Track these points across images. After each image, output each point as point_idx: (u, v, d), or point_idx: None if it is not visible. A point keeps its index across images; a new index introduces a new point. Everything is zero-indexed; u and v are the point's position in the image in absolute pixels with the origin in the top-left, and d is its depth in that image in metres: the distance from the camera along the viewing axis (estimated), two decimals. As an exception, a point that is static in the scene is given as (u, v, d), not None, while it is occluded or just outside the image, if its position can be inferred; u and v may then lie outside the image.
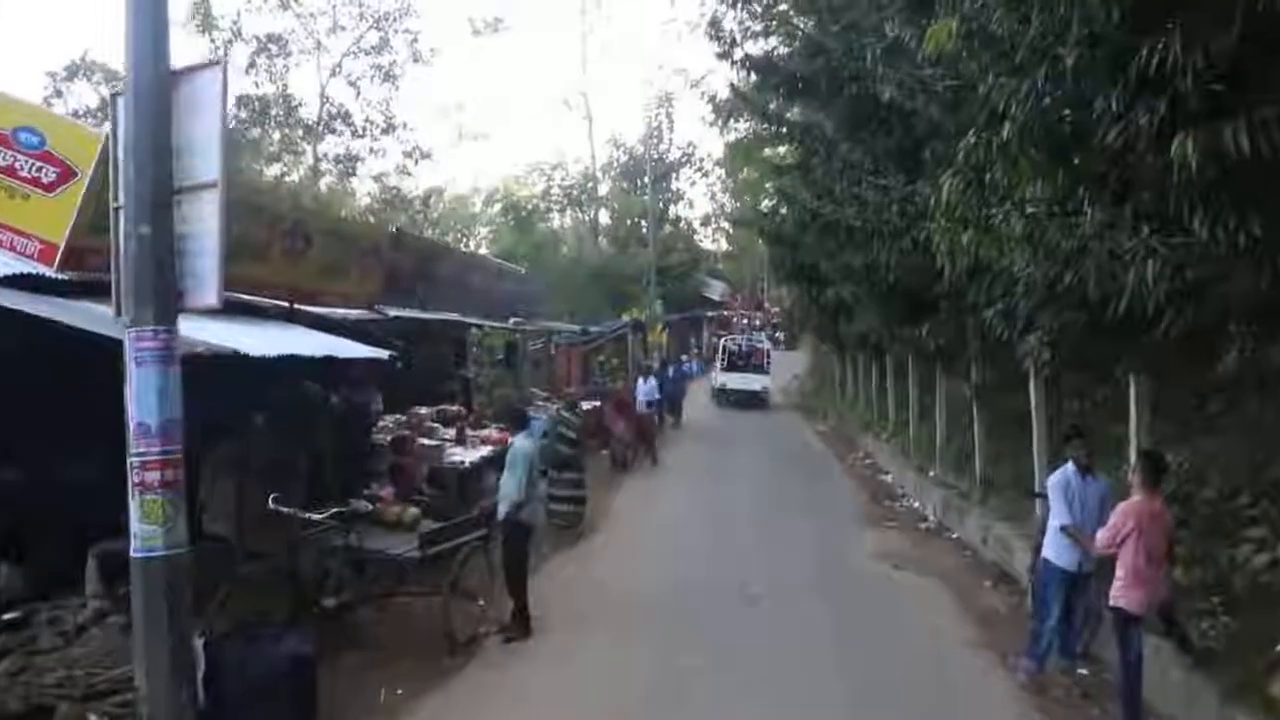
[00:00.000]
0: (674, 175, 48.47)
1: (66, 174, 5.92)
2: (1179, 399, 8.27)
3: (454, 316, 13.18)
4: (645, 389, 17.66)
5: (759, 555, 9.98)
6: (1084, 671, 6.39)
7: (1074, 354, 6.92)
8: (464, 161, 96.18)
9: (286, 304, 8.27)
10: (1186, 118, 3.86)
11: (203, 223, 4.61)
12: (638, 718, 5.85)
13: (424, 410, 11.74)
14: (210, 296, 4.63)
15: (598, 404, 16.82)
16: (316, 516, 6.06)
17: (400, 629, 6.84)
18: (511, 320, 16.98)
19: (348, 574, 6.46)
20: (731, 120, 26.43)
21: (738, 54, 12.44)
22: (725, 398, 27.63)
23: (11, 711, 4.66)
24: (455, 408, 12.79)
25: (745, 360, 28.86)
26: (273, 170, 29.71)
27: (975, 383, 11.35)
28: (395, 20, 30.13)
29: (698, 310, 47.13)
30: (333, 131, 30.14)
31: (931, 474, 13.35)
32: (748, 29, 16.84)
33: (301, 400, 7.84)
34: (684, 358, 35.57)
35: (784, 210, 16.18)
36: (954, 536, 11.01)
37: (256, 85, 28.21)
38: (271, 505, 5.92)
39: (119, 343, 4.57)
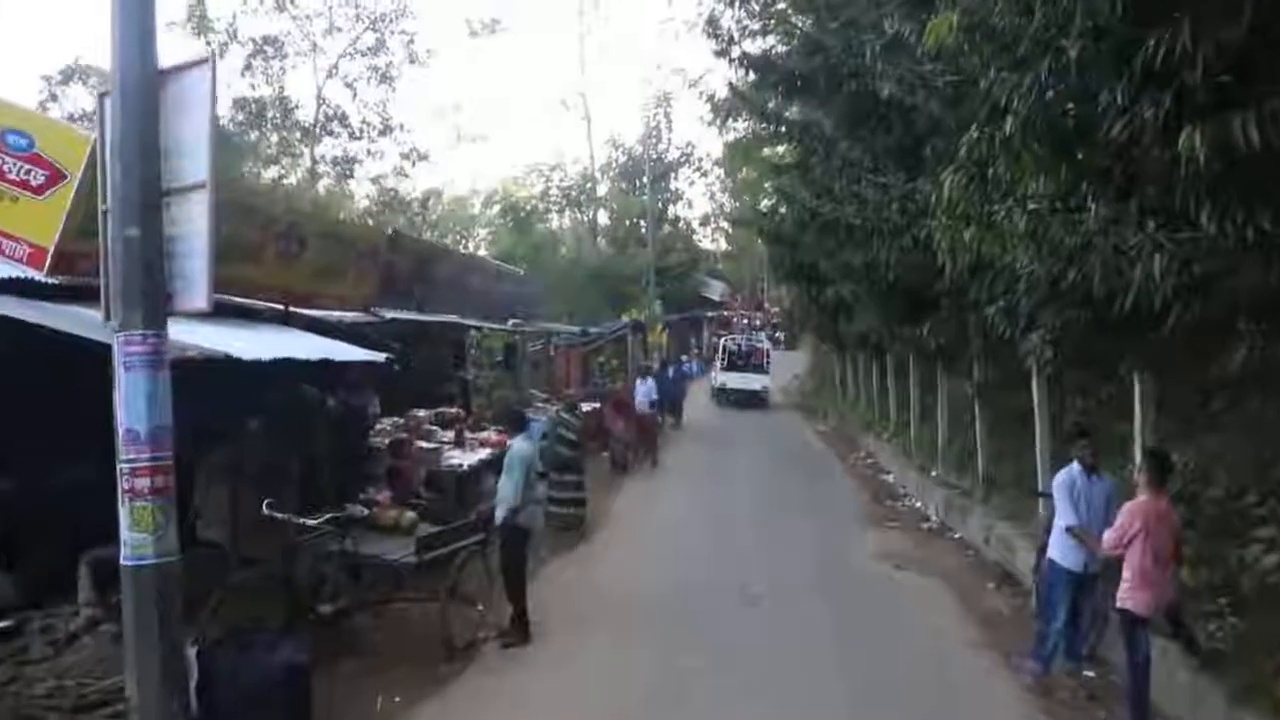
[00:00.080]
0: (673, 175, 48.44)
1: (56, 177, 5.84)
2: (1183, 396, 8.19)
3: (452, 318, 13.10)
4: (644, 390, 17.58)
5: (760, 556, 9.91)
6: (1090, 673, 6.33)
7: (1077, 352, 6.85)
8: (462, 163, 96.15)
9: (281, 307, 8.20)
10: (1193, 110, 3.78)
11: (192, 224, 4.52)
12: (638, 723, 5.78)
13: (422, 413, 11.66)
14: (200, 299, 4.54)
15: (597, 405, 16.75)
16: (311, 522, 5.97)
17: (397, 635, 6.76)
18: (510, 322, 16.90)
19: (343, 579, 6.39)
20: (730, 120, 26.30)
21: (735, 52, 12.36)
22: (725, 397, 27.65)
23: (0, 723, 4.59)
24: (454, 410, 12.71)
25: (745, 360, 28.87)
26: (270, 173, 29.64)
27: (977, 381, 11.28)
28: (391, 21, 30.11)
29: (697, 310, 47.10)
30: (330, 134, 30.10)
31: (933, 473, 13.29)
32: (745, 28, 16.77)
33: (297, 404, 7.75)
34: (684, 358, 35.51)
35: (783, 209, 16.11)
36: (956, 536, 10.94)
37: (253, 88, 28.18)
38: (266, 511, 5.84)
39: (109, 347, 4.49)
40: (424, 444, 10.31)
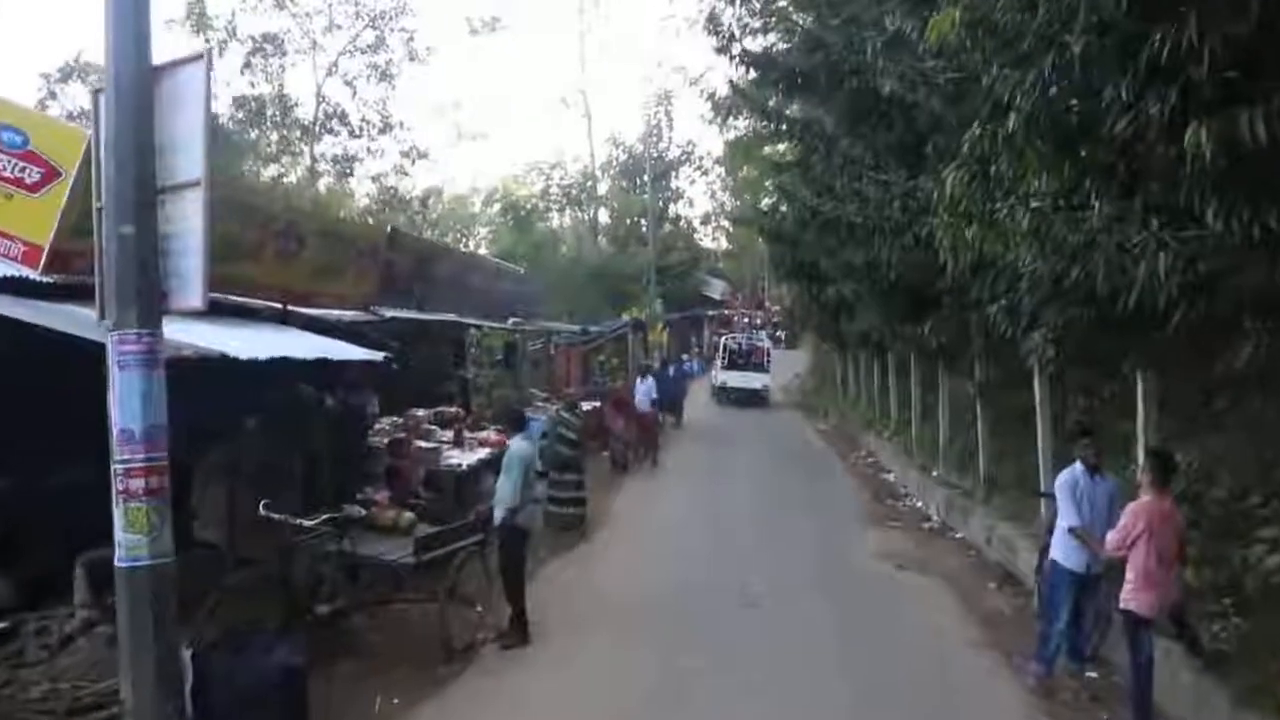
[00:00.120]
0: (673, 174, 48.40)
1: (51, 174, 5.79)
2: (1185, 395, 8.15)
3: (451, 317, 13.05)
4: (643, 389, 17.52)
5: (761, 555, 9.87)
6: (1093, 674, 6.28)
7: (1079, 350, 6.80)
8: (463, 162, 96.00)
9: (279, 305, 8.15)
10: (1200, 106, 3.73)
11: (187, 222, 4.49)
12: (638, 724, 5.74)
13: (421, 412, 11.62)
14: (195, 298, 4.51)
15: (598, 404, 16.71)
16: (308, 523, 5.93)
17: (395, 636, 6.72)
18: (510, 320, 16.86)
19: (341, 580, 6.35)
20: (731, 118, 26.29)
21: (736, 49, 12.31)
22: (726, 396, 27.68)
23: (-7, 727, 4.56)
24: (453, 409, 12.66)
25: (745, 359, 28.88)
26: (270, 171, 29.62)
27: (978, 380, 11.23)
28: (391, 19, 30.06)
29: (698, 309, 47.03)
30: (330, 131, 30.07)
31: (934, 473, 13.24)
32: (746, 25, 16.73)
33: (295, 404, 7.71)
34: (684, 357, 35.48)
35: (784, 208, 16.07)
36: (958, 536, 10.89)
37: (252, 85, 28.15)
38: (262, 511, 5.80)
39: (104, 347, 4.45)
40: (423, 443, 10.26)
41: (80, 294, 5.51)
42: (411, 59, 30.73)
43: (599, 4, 62.41)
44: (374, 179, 32.06)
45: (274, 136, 29.28)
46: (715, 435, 21.26)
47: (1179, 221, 4.36)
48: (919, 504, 13.06)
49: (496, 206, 43.94)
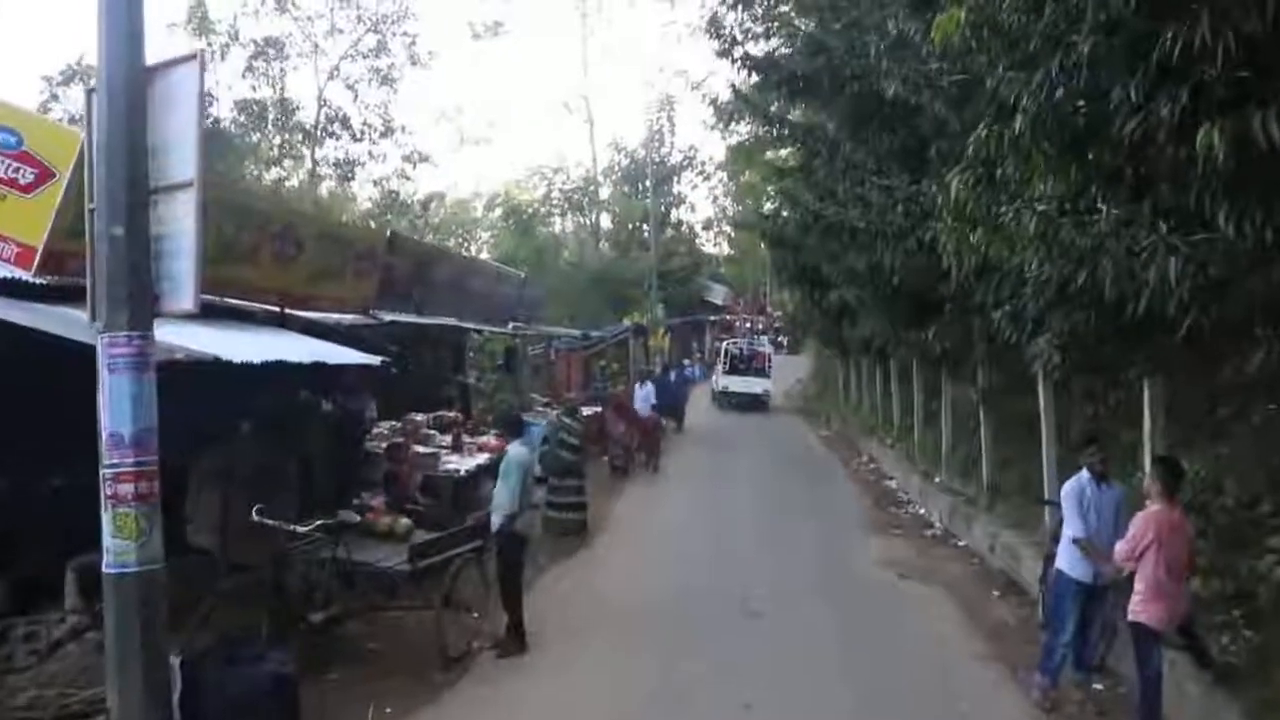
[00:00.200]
0: (675, 179, 48.40)
1: (45, 175, 5.73)
2: (1192, 402, 8.05)
3: (451, 321, 12.98)
4: (643, 394, 17.43)
5: (761, 563, 9.77)
6: (1099, 686, 6.18)
7: (1085, 356, 6.70)
8: (465, 166, 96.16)
9: (277, 309, 8.08)
10: (1212, 107, 3.65)
11: (179, 223, 4.42)
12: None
13: (420, 417, 11.54)
14: (186, 301, 4.43)
15: (598, 409, 16.64)
16: (301, 529, 5.84)
17: (391, 644, 6.64)
18: (511, 325, 16.79)
19: (336, 587, 6.25)
20: (733, 123, 26.28)
21: (738, 52, 12.25)
22: (727, 401, 27.73)
23: (-21, 734, 4.48)
24: (452, 414, 12.59)
25: (746, 364, 28.90)
26: (272, 174, 29.63)
27: (982, 386, 11.14)
28: (393, 23, 30.08)
29: (700, 314, 46.98)
30: (332, 135, 30.07)
31: (937, 480, 13.14)
32: (749, 30, 16.69)
33: (291, 408, 7.64)
34: (686, 362, 35.41)
35: (786, 212, 16.01)
36: (960, 544, 10.79)
37: (254, 89, 28.17)
38: (255, 517, 5.72)
39: (97, 349, 4.38)
40: (421, 448, 10.18)
41: (75, 296, 5.43)
42: (413, 63, 30.79)
43: (601, 9, 62.60)
44: (376, 183, 32.10)
45: (276, 140, 29.30)
46: (716, 440, 21.17)
47: (1189, 226, 4.28)
48: (921, 511, 12.95)
49: (498, 211, 43.93)
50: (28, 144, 5.75)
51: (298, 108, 29.28)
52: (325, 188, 31.32)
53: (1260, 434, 7.24)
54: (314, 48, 29.78)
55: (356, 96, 30.33)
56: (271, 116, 28.24)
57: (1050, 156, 4.75)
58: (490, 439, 11.41)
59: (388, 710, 5.71)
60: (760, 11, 17.45)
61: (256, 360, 5.55)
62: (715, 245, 53.75)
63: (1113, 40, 4.02)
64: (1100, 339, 5.90)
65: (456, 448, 10.85)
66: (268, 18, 28.52)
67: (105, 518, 4.25)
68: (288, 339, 7.33)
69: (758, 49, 14.79)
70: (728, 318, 50.11)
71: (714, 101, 18.87)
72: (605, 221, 47.28)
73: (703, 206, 69.82)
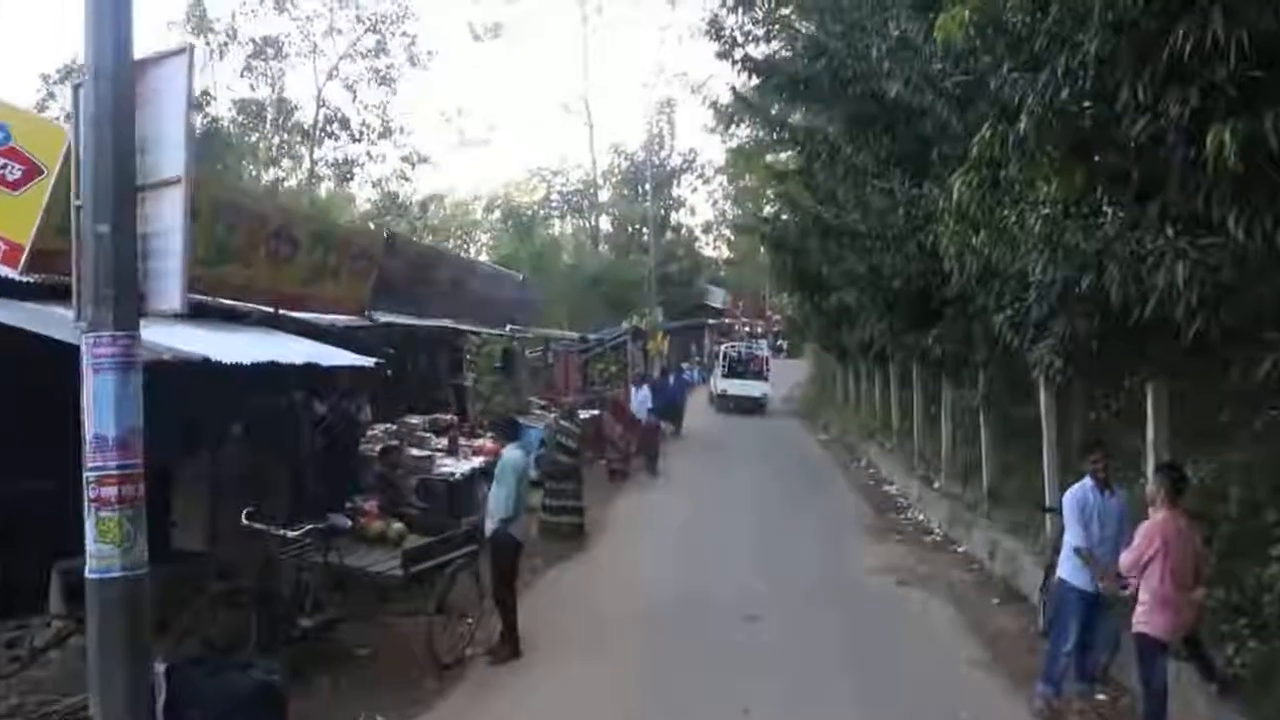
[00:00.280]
0: (675, 182, 48.39)
1: (32, 171, 5.64)
2: (1195, 409, 7.95)
3: (448, 323, 12.88)
4: (639, 398, 17.30)
5: (759, 568, 9.67)
6: (1102, 696, 6.08)
7: (1088, 362, 6.61)
8: (465, 168, 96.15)
9: (270, 309, 7.98)
10: (1223, 108, 3.56)
11: (166, 221, 4.34)
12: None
13: (415, 419, 11.44)
14: (174, 300, 4.35)
15: (596, 413, 16.54)
16: (292, 533, 5.74)
17: (382, 650, 6.54)
18: (508, 327, 16.70)
19: (326, 593, 6.15)
20: (733, 126, 26.27)
21: (738, 53, 12.18)
22: (725, 403, 27.77)
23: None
24: (449, 416, 12.49)
25: (745, 367, 28.95)
26: (270, 175, 29.56)
27: (982, 391, 11.04)
28: (393, 23, 30.03)
29: (699, 318, 46.94)
30: (331, 136, 30.01)
31: (936, 485, 13.05)
32: (749, 33, 16.66)
33: (283, 410, 7.54)
34: (684, 365, 35.33)
35: (785, 216, 15.96)
36: (960, 550, 10.69)
37: (252, 88, 28.11)
38: (245, 521, 5.62)
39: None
40: (417, 451, 10.09)
41: (63, 294, 5.32)
42: (413, 64, 30.74)
43: (601, 11, 62.62)
44: (375, 184, 32.05)
45: (275, 140, 29.24)
46: (715, 444, 21.08)
47: (1197, 229, 4.19)
48: (920, 517, 12.85)
49: (497, 213, 43.89)
50: (15, 139, 5.66)
51: (296, 108, 29.23)
52: (324, 188, 31.25)
53: (1265, 441, 7.15)
54: (313, 47, 29.75)
55: (355, 97, 30.31)
56: (270, 116, 28.17)
57: (1055, 158, 4.66)
58: (486, 442, 11.31)
59: (377, 718, 5.61)
60: (761, 14, 17.41)
61: (247, 361, 5.45)
62: (715, 249, 53.81)
63: (1120, 39, 3.93)
64: (1105, 344, 5.81)
65: (452, 451, 10.75)
66: (266, 17, 28.50)
67: (88, 522, 4.16)
68: (280, 340, 7.23)
69: (758, 51, 14.75)
70: (727, 321, 50.09)
71: (714, 104, 18.84)
72: (605, 224, 47.24)
73: (702, 210, 69.77)
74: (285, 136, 29.26)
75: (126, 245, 4.29)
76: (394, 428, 10.82)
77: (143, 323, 4.40)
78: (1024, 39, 4.50)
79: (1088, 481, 5.96)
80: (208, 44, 26.03)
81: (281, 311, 8.10)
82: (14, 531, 5.76)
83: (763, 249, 25.50)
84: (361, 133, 29.97)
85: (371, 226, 24.37)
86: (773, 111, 14.85)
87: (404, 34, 30.37)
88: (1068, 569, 5.93)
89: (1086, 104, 4.40)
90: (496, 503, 6.86)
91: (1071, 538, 5.88)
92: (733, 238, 48.73)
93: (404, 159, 31.28)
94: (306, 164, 30.45)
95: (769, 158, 26.79)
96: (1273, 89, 3.49)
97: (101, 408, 4.16)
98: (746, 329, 47.70)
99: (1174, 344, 5.04)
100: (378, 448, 9.42)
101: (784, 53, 14.93)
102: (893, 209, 9.22)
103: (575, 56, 75.10)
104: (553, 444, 11.07)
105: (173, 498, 6.09)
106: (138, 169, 4.33)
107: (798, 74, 11.26)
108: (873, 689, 6.37)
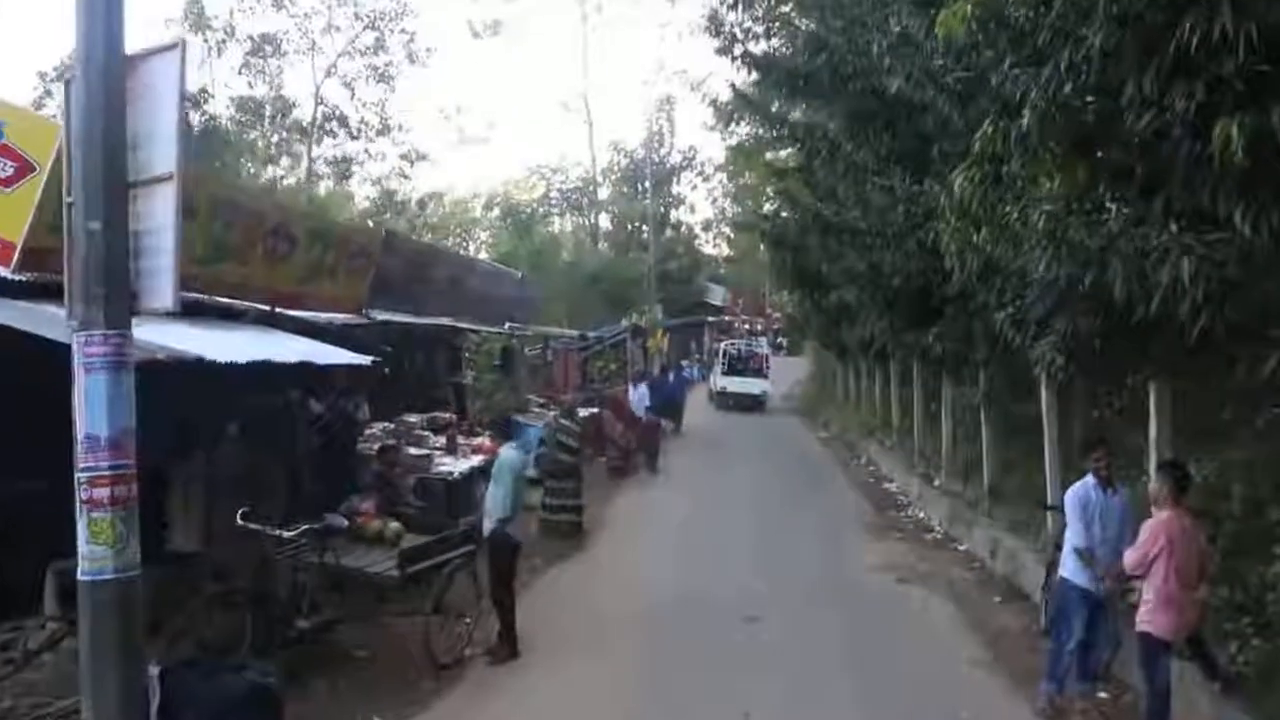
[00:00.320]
0: (675, 179, 48.31)
1: (25, 168, 5.57)
2: (1198, 406, 7.91)
3: (446, 321, 12.83)
4: (637, 395, 17.24)
5: (759, 567, 9.64)
6: (1104, 695, 6.04)
7: (1091, 359, 6.57)
8: (464, 166, 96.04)
9: (267, 308, 7.93)
10: (1229, 102, 3.51)
11: (158, 218, 4.28)
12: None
13: (414, 418, 11.39)
14: (166, 298, 4.29)
15: (595, 411, 16.49)
16: (287, 534, 5.69)
17: (380, 651, 6.50)
18: (507, 325, 16.65)
19: (323, 593, 6.10)
20: (733, 123, 26.20)
21: (738, 49, 12.13)
22: (725, 401, 27.74)
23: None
24: (446, 415, 12.43)
25: (745, 364, 28.91)
26: (268, 172, 29.49)
27: (983, 389, 11.00)
28: (391, 20, 29.95)
29: (699, 315, 46.87)
30: (329, 133, 29.95)
31: (937, 483, 13.01)
32: (749, 30, 16.57)
33: (279, 409, 7.48)
34: (684, 363, 35.30)
35: (785, 213, 15.90)
36: (961, 548, 10.66)
37: (250, 86, 28.04)
38: (240, 521, 5.57)
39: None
40: (415, 450, 10.04)
41: (56, 293, 5.27)
42: (412, 61, 30.68)
43: (601, 9, 62.57)
44: (373, 182, 31.98)
45: (273, 138, 29.17)
46: (714, 441, 21.05)
47: (1202, 225, 4.14)
48: (921, 514, 12.81)
49: (496, 211, 43.82)
50: (8, 136, 5.60)
51: (294, 105, 29.16)
52: (322, 186, 31.18)
53: (1268, 438, 7.11)
54: (311, 45, 29.67)
55: (354, 94, 30.24)
56: (268, 114, 28.10)
57: (1058, 154, 4.62)
58: (485, 441, 11.26)
59: (374, 719, 5.58)
60: (761, 10, 17.32)
61: (242, 360, 5.40)
62: (714, 246, 53.73)
63: (1125, 33, 3.88)
64: (1108, 341, 5.76)
65: (451, 449, 10.70)
66: (264, 14, 28.41)
67: (80, 523, 4.10)
68: (276, 339, 7.18)
69: (758, 48, 14.66)
70: (726, 319, 49.99)
71: (714, 101, 18.81)
72: (604, 222, 47.17)
73: (702, 207, 69.68)
74: (283, 134, 29.21)
75: (118, 242, 4.22)
76: (392, 426, 10.77)
77: (138, 321, 4.34)
78: (1026, 33, 4.45)
79: (1090, 479, 5.92)
80: (206, 41, 25.98)
81: (278, 310, 8.05)
82: (9, 532, 5.72)
83: (762, 246, 25.43)
84: (360, 130, 29.98)
85: (370, 224, 24.33)
86: (773, 108, 14.78)
87: (403, 31, 30.38)
88: (1069, 567, 5.89)
89: (1090, 99, 4.36)
90: (494, 502, 6.82)
91: (1073, 537, 5.84)
92: (732, 235, 48.70)
93: (403, 157, 31.32)
94: (305, 162, 30.40)
95: (769, 155, 26.74)
96: (1279, 84, 3.44)
97: (93, 407, 4.10)
98: (746, 326, 47.56)
99: (1177, 341, 4.98)
100: (375, 447, 9.38)
101: (784, 49, 14.84)
102: (893, 206, 9.16)
103: (575, 54, 75.02)
104: (552, 442, 11.03)
105: (167, 498, 6.04)
106: (129, 165, 4.28)
107: (798, 70, 11.22)
108: (873, 688, 6.34)
